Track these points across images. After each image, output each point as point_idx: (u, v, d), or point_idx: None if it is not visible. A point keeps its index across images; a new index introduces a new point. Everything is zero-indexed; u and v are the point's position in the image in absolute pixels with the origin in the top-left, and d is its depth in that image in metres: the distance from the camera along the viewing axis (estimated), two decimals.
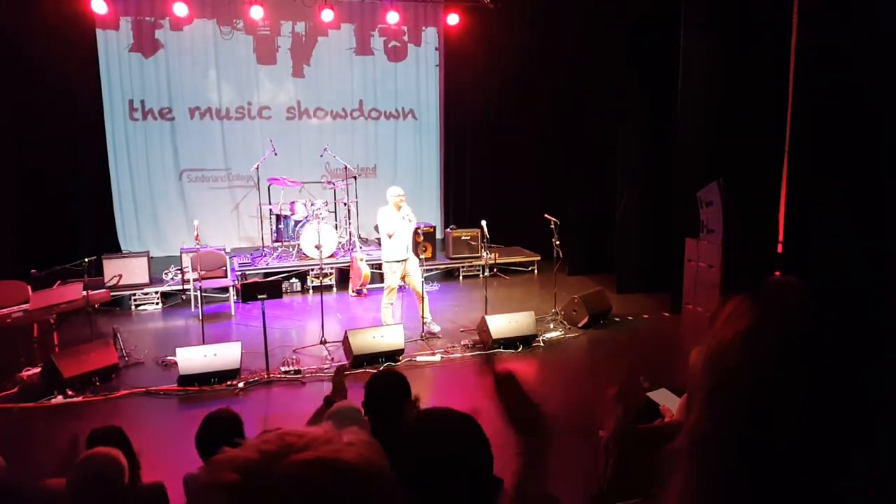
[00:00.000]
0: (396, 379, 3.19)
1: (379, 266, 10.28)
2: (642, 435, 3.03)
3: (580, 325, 8.35)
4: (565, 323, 8.47)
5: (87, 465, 2.74)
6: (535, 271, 11.32)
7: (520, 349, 7.64)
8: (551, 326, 8.34)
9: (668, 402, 4.45)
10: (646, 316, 8.90)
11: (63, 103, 10.00)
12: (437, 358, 7.43)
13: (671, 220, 8.94)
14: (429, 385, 7.06)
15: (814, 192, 6.08)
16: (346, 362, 7.00)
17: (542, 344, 7.83)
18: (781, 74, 6.93)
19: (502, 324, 7.68)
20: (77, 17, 10.06)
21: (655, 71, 9.28)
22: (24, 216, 9.47)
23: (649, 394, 5.72)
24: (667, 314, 8.81)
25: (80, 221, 10.06)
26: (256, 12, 10.78)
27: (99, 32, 10.73)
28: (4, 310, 7.25)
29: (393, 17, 11.65)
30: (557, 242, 8.43)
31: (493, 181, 12.04)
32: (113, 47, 10.91)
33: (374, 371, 6.73)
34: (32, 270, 7.45)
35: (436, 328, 8.11)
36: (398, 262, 7.82)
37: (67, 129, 10.06)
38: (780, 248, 7.16)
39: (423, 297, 8.00)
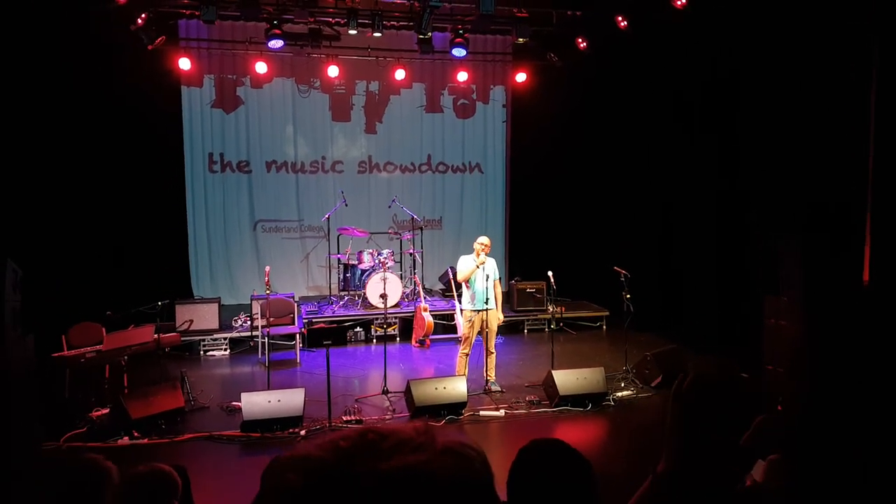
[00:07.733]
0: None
1: (443, 317, 10.24)
2: None
3: (653, 385, 7.97)
4: (637, 382, 8.11)
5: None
6: (604, 327, 10.98)
7: (588, 407, 7.33)
8: (622, 385, 8.00)
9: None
10: None
11: (146, 154, 10.44)
12: (501, 413, 7.20)
13: (746, 275, 8.54)
14: (494, 441, 6.83)
15: None
16: None
17: (612, 403, 7.49)
18: (861, 115, 6.64)
19: (570, 380, 7.39)
20: (164, 74, 10.62)
21: (721, 121, 9.07)
22: (103, 260, 9.83)
23: None
24: (745, 375, 8.32)
25: (156, 267, 10.35)
26: (333, 71, 11.15)
27: (183, 89, 11.29)
28: (80, 349, 7.48)
29: (462, 76, 11.85)
30: (628, 296, 8.15)
31: (560, 234, 11.85)
32: (196, 103, 11.44)
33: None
34: (108, 312, 7.67)
35: (496, 387, 7.86)
36: (472, 311, 7.71)
37: (149, 178, 10.46)
38: None
39: (490, 353, 7.84)
